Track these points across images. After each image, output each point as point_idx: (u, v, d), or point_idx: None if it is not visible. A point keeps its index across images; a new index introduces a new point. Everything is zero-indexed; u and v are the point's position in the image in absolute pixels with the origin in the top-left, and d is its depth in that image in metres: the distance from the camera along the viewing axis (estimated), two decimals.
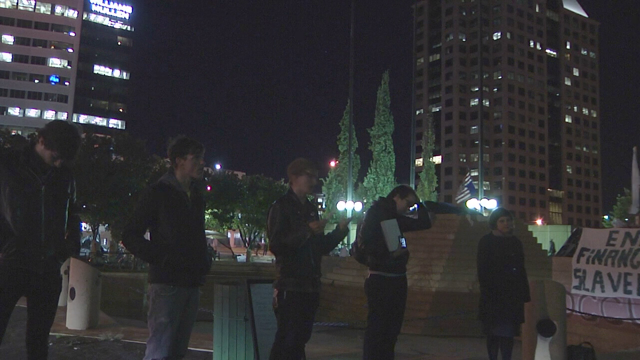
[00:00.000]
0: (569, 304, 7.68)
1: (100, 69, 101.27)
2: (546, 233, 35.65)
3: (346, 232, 4.65)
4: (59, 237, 3.52)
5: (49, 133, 3.46)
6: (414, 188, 34.95)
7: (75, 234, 3.72)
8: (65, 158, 3.49)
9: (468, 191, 26.00)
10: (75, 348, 6.46)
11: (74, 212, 3.73)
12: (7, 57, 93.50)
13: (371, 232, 5.21)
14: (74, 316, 7.52)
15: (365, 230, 5.29)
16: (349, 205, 37.87)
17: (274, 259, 4.46)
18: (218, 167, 63.61)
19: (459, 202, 26.15)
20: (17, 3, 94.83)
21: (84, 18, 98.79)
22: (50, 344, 6.36)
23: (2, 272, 3.33)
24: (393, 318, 5.26)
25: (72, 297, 7.56)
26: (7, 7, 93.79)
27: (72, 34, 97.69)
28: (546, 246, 19.78)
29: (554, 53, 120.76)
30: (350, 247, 5.66)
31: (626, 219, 11.36)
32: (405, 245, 5.21)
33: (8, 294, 3.36)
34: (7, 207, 3.34)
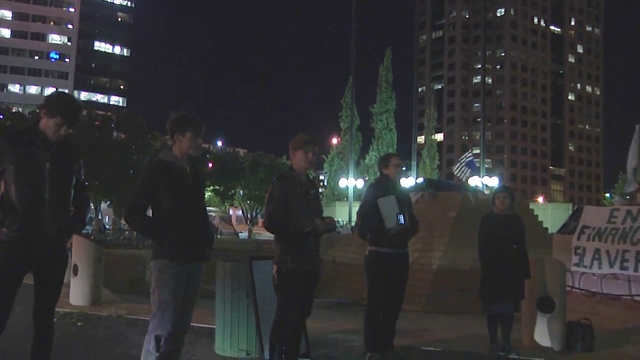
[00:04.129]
0: (569, 281, 7.71)
1: (100, 46, 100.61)
2: (547, 211, 35.67)
3: (332, 228, 4.53)
4: (63, 213, 3.51)
5: (50, 102, 3.50)
6: (415, 165, 35.06)
7: (81, 212, 3.72)
8: (69, 123, 3.49)
9: (467, 168, 26.00)
10: (79, 324, 6.53)
11: (81, 191, 3.73)
12: (6, 32, 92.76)
13: (368, 209, 5.22)
14: (77, 293, 7.59)
15: (362, 207, 5.32)
16: (351, 183, 37.87)
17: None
18: (219, 144, 63.54)
19: (458, 175, 26.16)
20: None
21: None
22: (54, 319, 6.43)
23: (5, 248, 3.35)
24: (393, 294, 5.28)
25: (75, 274, 7.63)
26: None
27: (71, 9, 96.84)
28: (547, 224, 19.81)
29: (558, 30, 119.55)
30: (354, 224, 5.68)
31: (627, 197, 11.35)
32: (403, 222, 5.13)
33: (12, 270, 3.38)
34: (12, 184, 3.35)
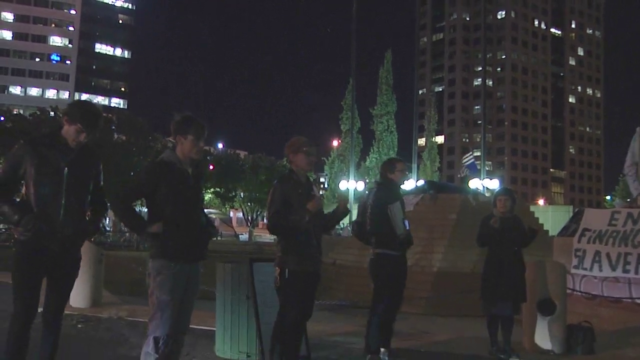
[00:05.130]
0: (569, 283, 7.70)
1: (101, 48, 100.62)
2: (548, 213, 35.62)
3: (346, 212, 4.65)
4: (78, 217, 3.60)
5: (71, 109, 3.63)
6: (416, 168, 35.06)
7: (97, 216, 3.82)
8: (88, 130, 3.58)
9: (468, 170, 26.09)
10: (80, 325, 6.52)
11: (99, 196, 3.82)
12: (7, 34, 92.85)
13: (380, 215, 5.27)
14: (77, 294, 7.56)
15: (373, 213, 5.33)
16: (351, 185, 37.85)
17: (276, 237, 4.48)
18: (220, 146, 63.52)
19: (463, 165, 26.23)
20: None
21: None
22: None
23: (21, 247, 3.46)
24: (395, 295, 5.37)
25: None
26: None
27: (72, 11, 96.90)
28: (547, 226, 19.80)
29: (559, 32, 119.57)
30: (351, 226, 5.73)
31: (628, 199, 11.35)
32: (408, 227, 5.36)
33: (29, 268, 3.46)
34: (30, 186, 3.47)
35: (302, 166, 4.45)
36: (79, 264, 3.77)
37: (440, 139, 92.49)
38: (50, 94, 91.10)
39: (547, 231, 18.56)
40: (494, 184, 34.04)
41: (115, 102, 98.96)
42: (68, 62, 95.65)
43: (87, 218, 3.73)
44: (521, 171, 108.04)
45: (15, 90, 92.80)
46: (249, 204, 50.34)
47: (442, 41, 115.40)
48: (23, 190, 3.53)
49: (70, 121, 3.56)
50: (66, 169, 3.53)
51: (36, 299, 3.52)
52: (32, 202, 3.46)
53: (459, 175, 27.91)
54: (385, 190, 5.44)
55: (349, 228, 34.52)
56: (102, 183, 3.86)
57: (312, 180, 4.68)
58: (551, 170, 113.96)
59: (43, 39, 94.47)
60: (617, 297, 8.07)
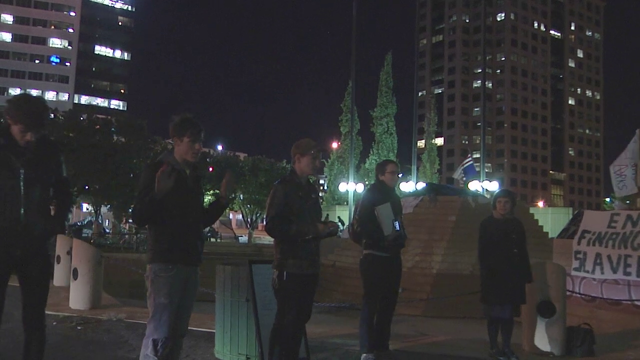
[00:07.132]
0: (569, 285, 7.70)
1: (101, 50, 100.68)
2: (547, 215, 35.59)
3: (332, 234, 4.56)
4: (42, 216, 3.44)
5: (11, 108, 3.36)
6: (415, 170, 35.08)
7: (61, 211, 3.61)
8: (33, 130, 3.36)
9: (463, 175, 25.97)
10: (79, 327, 6.51)
11: (62, 187, 3.63)
12: (7, 36, 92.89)
13: (366, 214, 5.29)
14: (77, 296, 7.58)
15: (361, 214, 5.38)
16: (351, 187, 37.87)
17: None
18: (220, 148, 63.56)
19: (457, 178, 26.21)
20: None
21: None
22: (54, 323, 6.43)
23: None
24: (388, 296, 5.38)
25: (75, 278, 7.62)
26: None
27: (72, 13, 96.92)
28: (547, 228, 19.81)
29: (558, 34, 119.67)
30: (348, 228, 5.75)
31: (627, 202, 11.36)
32: (399, 229, 5.30)
33: None
34: None
35: (306, 170, 4.41)
36: (49, 262, 3.65)
37: (439, 141, 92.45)
38: (50, 95, 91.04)
39: (546, 233, 18.55)
40: (493, 186, 34.03)
41: (115, 104, 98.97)
42: (68, 64, 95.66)
43: (52, 213, 3.53)
44: (521, 173, 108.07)
45: (15, 92, 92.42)
46: (248, 206, 50.28)
47: (441, 43, 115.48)
48: None
49: (12, 121, 3.34)
50: (22, 169, 3.34)
51: (1, 301, 3.41)
52: None
53: (457, 175, 27.70)
54: (374, 191, 5.50)
55: (348, 230, 34.49)
56: (64, 174, 3.65)
57: (313, 182, 4.66)
58: (550, 172, 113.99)
59: (43, 41, 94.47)
60: (616, 299, 8.07)
